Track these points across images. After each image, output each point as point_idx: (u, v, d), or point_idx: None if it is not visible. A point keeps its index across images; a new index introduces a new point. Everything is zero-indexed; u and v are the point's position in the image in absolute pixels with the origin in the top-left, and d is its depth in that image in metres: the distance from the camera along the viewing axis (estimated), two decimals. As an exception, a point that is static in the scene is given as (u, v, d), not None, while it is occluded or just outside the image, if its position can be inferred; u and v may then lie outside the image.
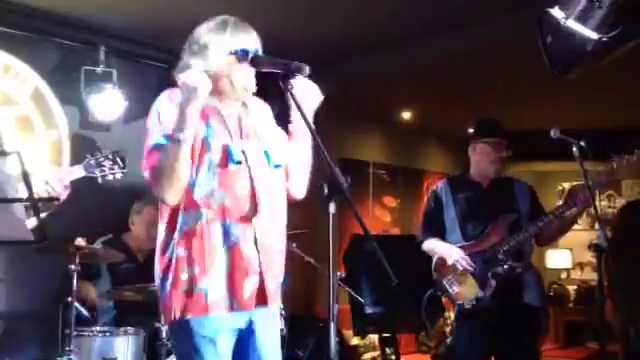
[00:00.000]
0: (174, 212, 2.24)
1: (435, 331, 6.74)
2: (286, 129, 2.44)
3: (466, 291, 3.65)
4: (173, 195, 2.19)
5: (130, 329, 3.81)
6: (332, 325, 1.95)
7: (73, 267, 3.60)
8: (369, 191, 8.00)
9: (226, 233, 2.22)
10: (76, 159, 4.09)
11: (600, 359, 4.57)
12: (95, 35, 4.86)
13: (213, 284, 2.20)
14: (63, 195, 3.18)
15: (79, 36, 4.80)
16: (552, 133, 3.21)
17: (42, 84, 4.66)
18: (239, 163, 2.27)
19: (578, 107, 6.97)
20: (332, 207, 1.96)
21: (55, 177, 3.20)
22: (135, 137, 2.73)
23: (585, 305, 8.67)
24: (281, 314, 3.51)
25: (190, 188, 2.21)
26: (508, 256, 3.56)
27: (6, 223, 2.15)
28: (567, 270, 9.84)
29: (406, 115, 7.93)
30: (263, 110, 2.47)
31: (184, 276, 2.20)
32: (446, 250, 3.71)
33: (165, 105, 2.27)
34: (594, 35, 2.83)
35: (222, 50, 2.27)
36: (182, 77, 2.20)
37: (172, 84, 2.31)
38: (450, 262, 3.66)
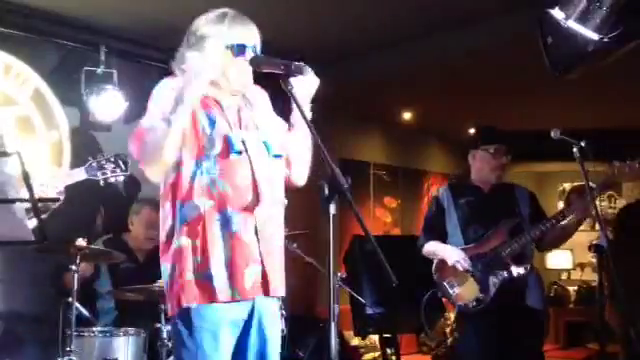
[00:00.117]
0: (176, 202, 2.26)
1: (435, 332, 6.73)
2: (283, 116, 2.46)
3: (466, 293, 3.65)
4: (156, 173, 2.26)
5: (130, 330, 3.81)
6: (333, 325, 1.96)
7: (74, 267, 3.61)
8: (370, 192, 8.00)
9: (227, 222, 2.23)
10: (77, 160, 4.09)
11: (600, 360, 4.56)
12: (95, 35, 4.85)
13: (216, 272, 2.22)
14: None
15: (79, 36, 4.79)
16: (552, 133, 3.21)
17: (42, 85, 4.65)
18: (240, 153, 2.29)
19: (578, 107, 6.96)
20: (332, 208, 1.97)
21: (52, 181, 3.20)
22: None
23: (585, 306, 8.68)
24: (281, 314, 3.50)
25: (191, 178, 2.23)
26: (509, 259, 3.57)
27: (7, 223, 2.15)
28: (567, 271, 9.85)
29: (406, 115, 7.92)
30: (262, 100, 2.48)
31: (189, 265, 2.22)
32: (446, 252, 3.71)
33: (165, 89, 2.29)
34: (595, 36, 2.83)
35: (219, 42, 2.30)
36: (189, 58, 2.24)
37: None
38: (450, 263, 3.66)
